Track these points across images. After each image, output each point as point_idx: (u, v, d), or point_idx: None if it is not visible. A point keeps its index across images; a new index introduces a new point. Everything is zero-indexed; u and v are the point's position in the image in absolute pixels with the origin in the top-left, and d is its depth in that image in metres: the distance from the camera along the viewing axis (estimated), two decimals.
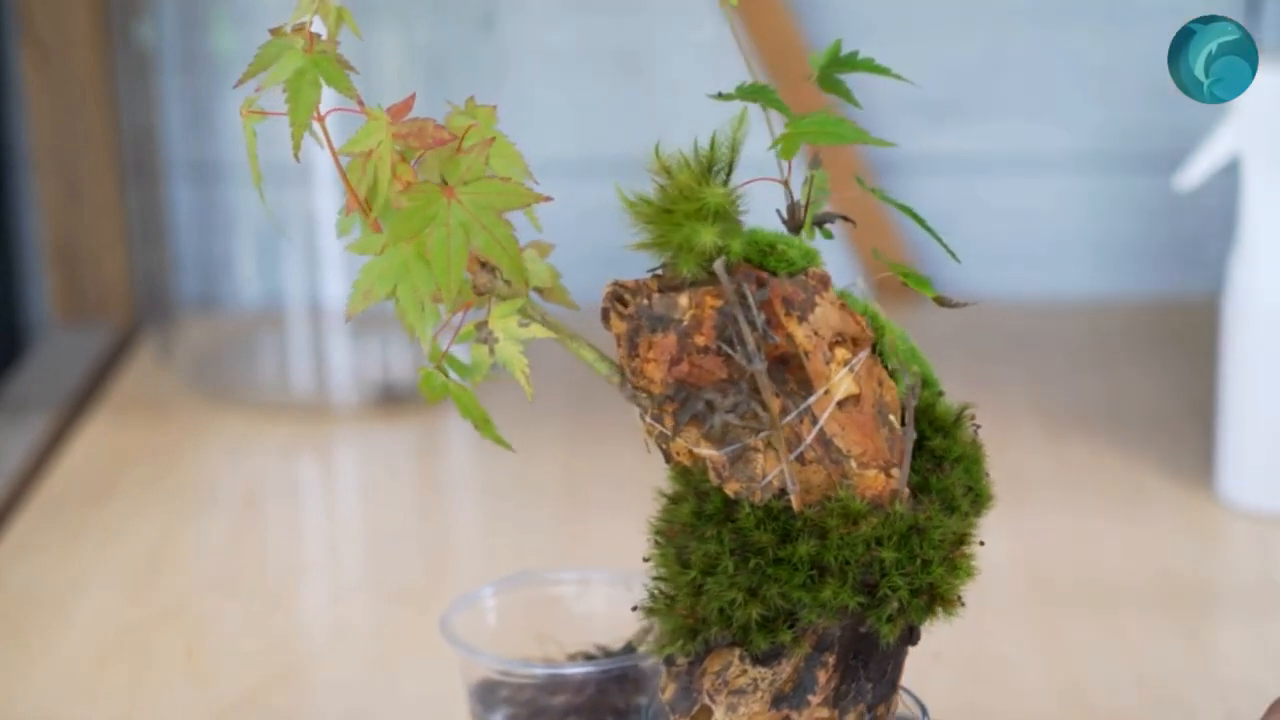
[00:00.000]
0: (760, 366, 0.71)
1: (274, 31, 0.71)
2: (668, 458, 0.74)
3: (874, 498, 0.73)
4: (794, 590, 0.72)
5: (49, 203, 1.56)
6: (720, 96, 0.75)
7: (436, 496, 1.32)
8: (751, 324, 0.71)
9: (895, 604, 0.73)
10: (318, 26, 0.72)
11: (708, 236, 0.71)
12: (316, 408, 1.42)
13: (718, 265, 0.70)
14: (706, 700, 0.74)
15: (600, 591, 0.90)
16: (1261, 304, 1.19)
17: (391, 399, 1.42)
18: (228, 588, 1.17)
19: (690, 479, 0.74)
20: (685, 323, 0.71)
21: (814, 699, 0.74)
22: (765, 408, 0.72)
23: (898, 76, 0.78)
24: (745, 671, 0.74)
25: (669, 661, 0.75)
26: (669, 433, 0.72)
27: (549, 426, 1.35)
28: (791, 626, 0.73)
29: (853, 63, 0.76)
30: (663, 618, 0.74)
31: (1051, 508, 1.23)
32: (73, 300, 1.58)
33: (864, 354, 0.73)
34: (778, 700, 0.74)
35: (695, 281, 0.72)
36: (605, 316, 0.73)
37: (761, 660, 0.74)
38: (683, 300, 0.71)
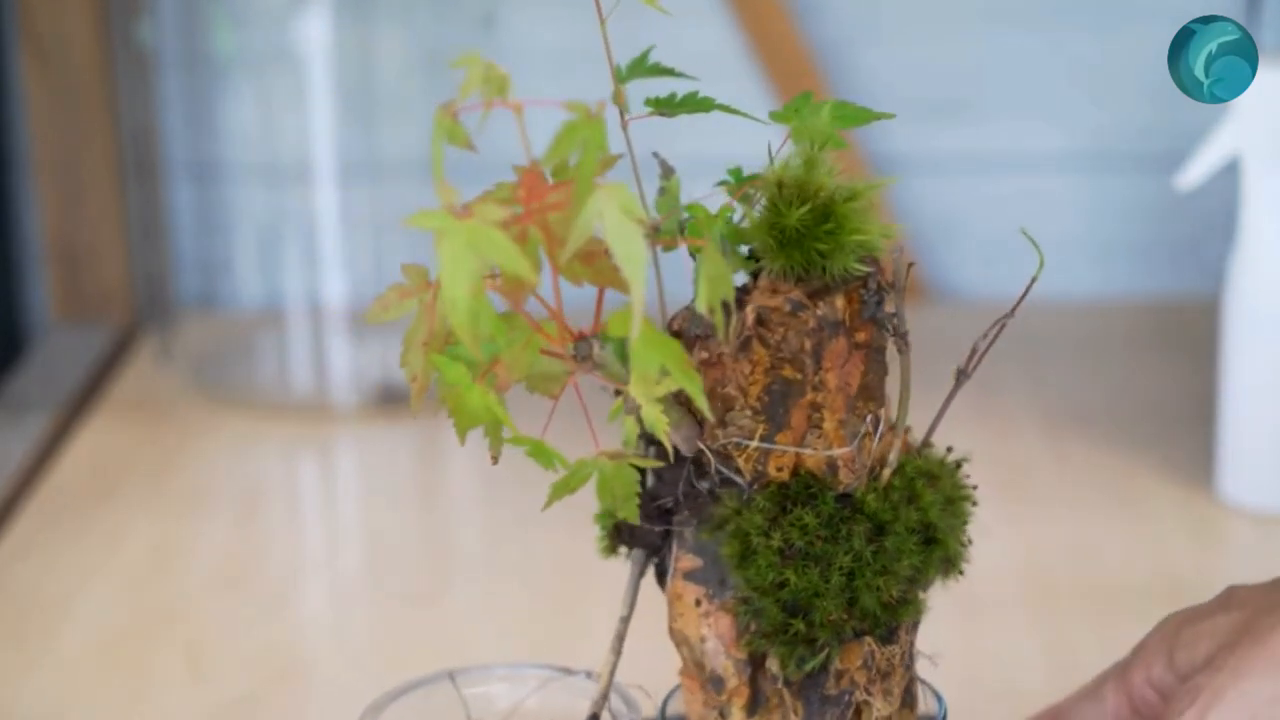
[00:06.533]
0: (908, 349, 0.72)
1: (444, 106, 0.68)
2: (756, 481, 0.73)
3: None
4: (918, 558, 0.73)
5: (49, 203, 1.56)
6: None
7: (436, 497, 1.32)
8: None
9: (966, 549, 0.75)
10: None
11: (873, 228, 0.71)
12: (316, 408, 1.42)
13: (895, 251, 0.71)
14: (862, 696, 0.74)
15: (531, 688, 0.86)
16: (1261, 304, 1.18)
17: (391, 399, 1.42)
18: (228, 587, 1.17)
19: (787, 493, 0.73)
20: (847, 323, 0.72)
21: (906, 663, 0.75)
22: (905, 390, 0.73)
23: (690, 77, 0.78)
24: (883, 654, 0.74)
25: (787, 683, 0.74)
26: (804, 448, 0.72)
27: (548, 428, 1.35)
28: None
29: (654, 68, 0.77)
30: (790, 639, 0.73)
31: (1051, 507, 1.23)
32: (73, 300, 1.58)
33: None
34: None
35: (839, 280, 0.72)
36: (746, 346, 0.72)
37: (887, 639, 0.74)
38: (839, 301, 0.71)
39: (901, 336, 0.73)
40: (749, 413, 0.72)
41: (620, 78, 0.76)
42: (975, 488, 0.77)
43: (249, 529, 1.25)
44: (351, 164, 1.46)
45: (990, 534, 1.19)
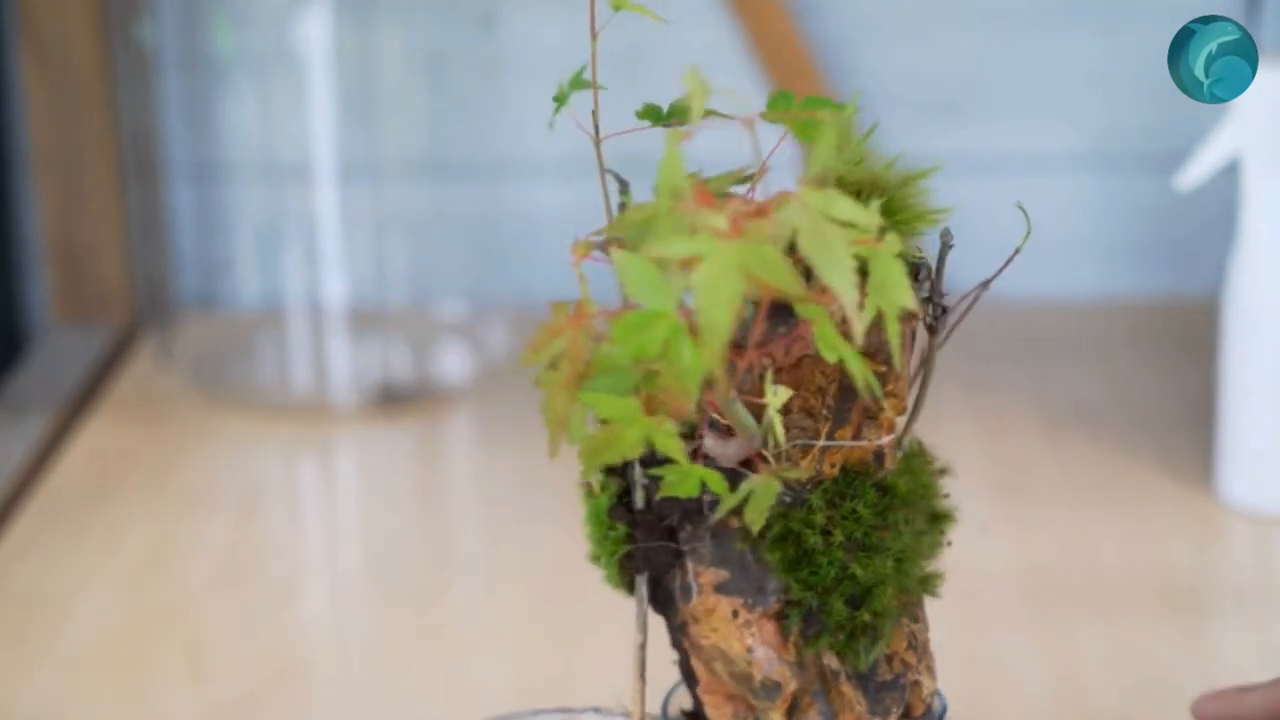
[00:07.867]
0: (941, 329, 0.73)
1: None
2: (811, 481, 0.72)
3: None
4: (935, 535, 0.74)
5: (49, 203, 1.56)
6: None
7: (436, 497, 1.32)
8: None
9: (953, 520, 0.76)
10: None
11: (928, 215, 0.72)
12: (316, 408, 1.42)
13: (944, 231, 0.72)
14: (915, 677, 0.74)
15: None
16: (1261, 304, 1.19)
17: (391, 399, 1.42)
18: (228, 588, 1.17)
19: (836, 488, 0.72)
20: None
21: None
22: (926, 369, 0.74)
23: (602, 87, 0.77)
24: (917, 631, 0.74)
25: (848, 677, 0.74)
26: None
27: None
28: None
29: (579, 83, 0.77)
30: (852, 633, 0.72)
31: (1051, 507, 1.23)
32: (73, 300, 1.58)
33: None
34: None
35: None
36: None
37: (915, 617, 0.74)
38: None
39: (940, 319, 0.73)
40: (812, 412, 0.72)
41: (559, 99, 0.74)
42: (936, 460, 0.77)
43: (249, 529, 1.25)
44: (351, 164, 1.46)
45: (990, 533, 1.19)
